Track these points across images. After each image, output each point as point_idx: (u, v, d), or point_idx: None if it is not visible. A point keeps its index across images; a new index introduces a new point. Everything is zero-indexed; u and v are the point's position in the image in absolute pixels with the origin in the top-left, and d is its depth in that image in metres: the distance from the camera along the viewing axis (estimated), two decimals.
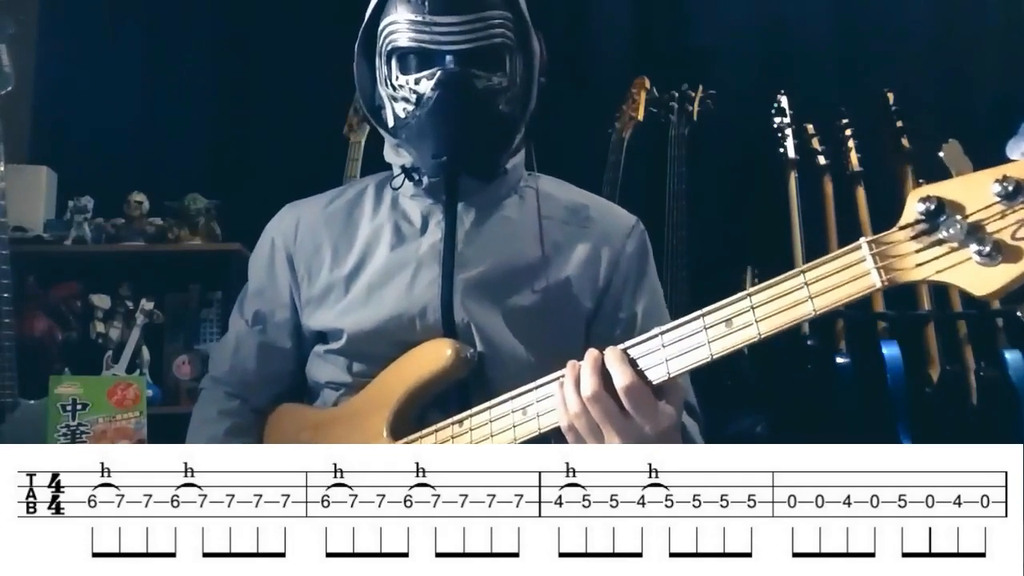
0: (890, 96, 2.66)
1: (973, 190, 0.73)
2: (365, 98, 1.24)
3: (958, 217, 0.73)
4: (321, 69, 2.56)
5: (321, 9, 2.73)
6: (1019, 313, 2.20)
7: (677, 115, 2.65)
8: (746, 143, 2.78)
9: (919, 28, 2.86)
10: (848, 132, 2.70)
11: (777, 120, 2.70)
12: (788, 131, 2.68)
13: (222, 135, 2.84)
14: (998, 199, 0.71)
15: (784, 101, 2.71)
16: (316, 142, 2.63)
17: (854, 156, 2.67)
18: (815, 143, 2.69)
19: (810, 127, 2.71)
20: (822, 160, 2.67)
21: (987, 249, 0.71)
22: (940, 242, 0.73)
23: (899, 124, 2.63)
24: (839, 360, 2.49)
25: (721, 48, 2.86)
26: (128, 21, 2.86)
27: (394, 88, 1.16)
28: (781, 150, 2.67)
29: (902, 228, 0.76)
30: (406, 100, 1.15)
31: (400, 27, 1.13)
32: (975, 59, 2.84)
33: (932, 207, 0.73)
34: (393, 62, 1.15)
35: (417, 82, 1.14)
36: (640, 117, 2.59)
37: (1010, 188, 0.71)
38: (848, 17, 2.87)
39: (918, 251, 0.75)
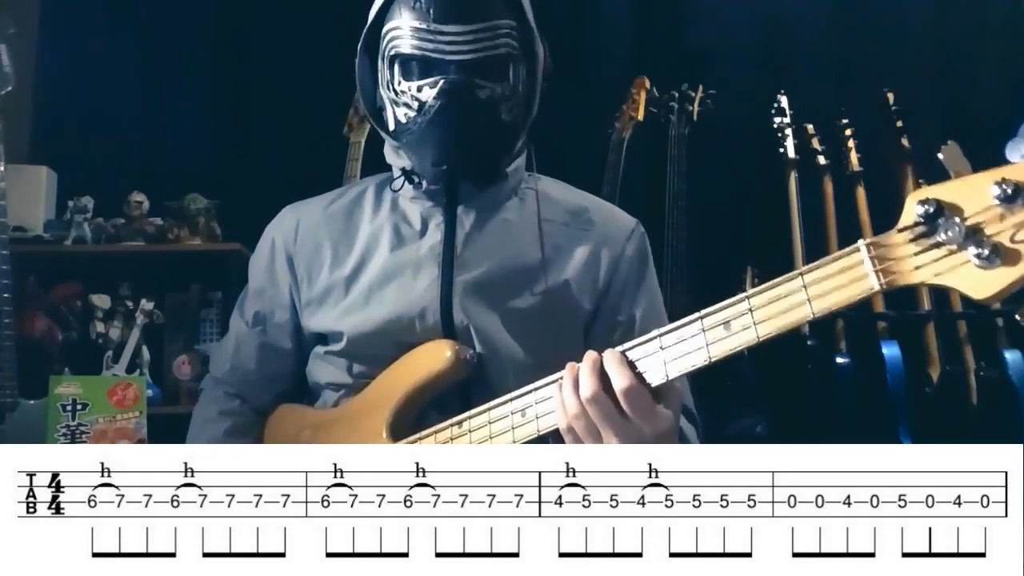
0: (890, 96, 2.66)
1: (972, 192, 0.72)
2: (366, 99, 1.23)
3: (957, 220, 0.72)
4: (321, 69, 2.56)
5: (321, 9, 2.73)
6: (1017, 316, 2.20)
7: (677, 115, 2.65)
8: (746, 143, 2.78)
9: (919, 28, 2.86)
10: (848, 132, 2.70)
11: (777, 120, 2.70)
12: (788, 131, 2.68)
13: (222, 135, 2.84)
14: (997, 202, 0.71)
15: (784, 101, 2.71)
16: (316, 142, 2.62)
17: (854, 156, 2.67)
18: (815, 143, 2.69)
19: (810, 127, 2.71)
20: (822, 160, 2.67)
21: (986, 252, 0.70)
22: (939, 245, 0.73)
23: (899, 124, 2.63)
24: (839, 360, 2.50)
25: (721, 48, 2.85)
26: (128, 21, 2.85)
27: (396, 93, 1.15)
28: (781, 150, 2.67)
29: (901, 230, 0.75)
30: (408, 106, 1.14)
31: (404, 33, 1.12)
32: (975, 59, 2.83)
33: (931, 209, 0.73)
34: (396, 67, 1.15)
35: (419, 89, 1.13)
36: (640, 117, 2.58)
37: (1009, 191, 0.70)
38: (848, 17, 2.87)
39: (916, 254, 0.74)
